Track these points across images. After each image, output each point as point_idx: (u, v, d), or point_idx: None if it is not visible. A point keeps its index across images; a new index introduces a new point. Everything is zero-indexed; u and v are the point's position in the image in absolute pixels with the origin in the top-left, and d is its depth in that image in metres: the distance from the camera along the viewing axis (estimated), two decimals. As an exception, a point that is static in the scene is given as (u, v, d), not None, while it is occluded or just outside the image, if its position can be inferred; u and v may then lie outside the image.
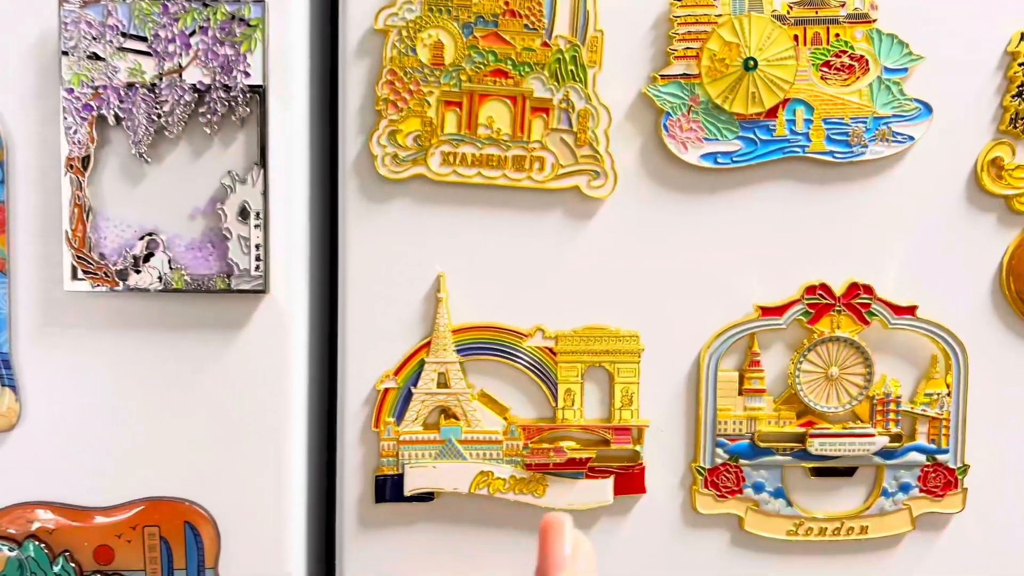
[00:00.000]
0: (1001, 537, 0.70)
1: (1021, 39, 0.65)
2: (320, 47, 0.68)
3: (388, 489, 0.68)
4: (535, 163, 0.66)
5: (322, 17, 0.68)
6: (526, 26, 0.64)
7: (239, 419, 0.67)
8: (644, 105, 0.66)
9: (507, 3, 0.64)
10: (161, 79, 0.64)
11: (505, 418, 0.68)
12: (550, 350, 0.68)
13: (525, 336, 0.68)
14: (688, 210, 0.67)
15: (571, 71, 0.65)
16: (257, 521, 0.68)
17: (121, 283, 0.65)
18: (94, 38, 0.64)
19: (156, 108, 0.64)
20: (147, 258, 0.65)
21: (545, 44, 0.65)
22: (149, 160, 0.65)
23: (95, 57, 0.64)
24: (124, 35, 0.64)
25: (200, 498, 0.68)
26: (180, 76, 0.64)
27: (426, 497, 0.68)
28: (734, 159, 0.66)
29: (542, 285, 0.68)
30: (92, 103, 0.64)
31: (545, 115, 0.65)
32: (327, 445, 0.72)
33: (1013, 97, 0.66)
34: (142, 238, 0.65)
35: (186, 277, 0.65)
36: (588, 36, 0.65)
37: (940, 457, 0.69)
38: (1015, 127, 0.66)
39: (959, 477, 0.69)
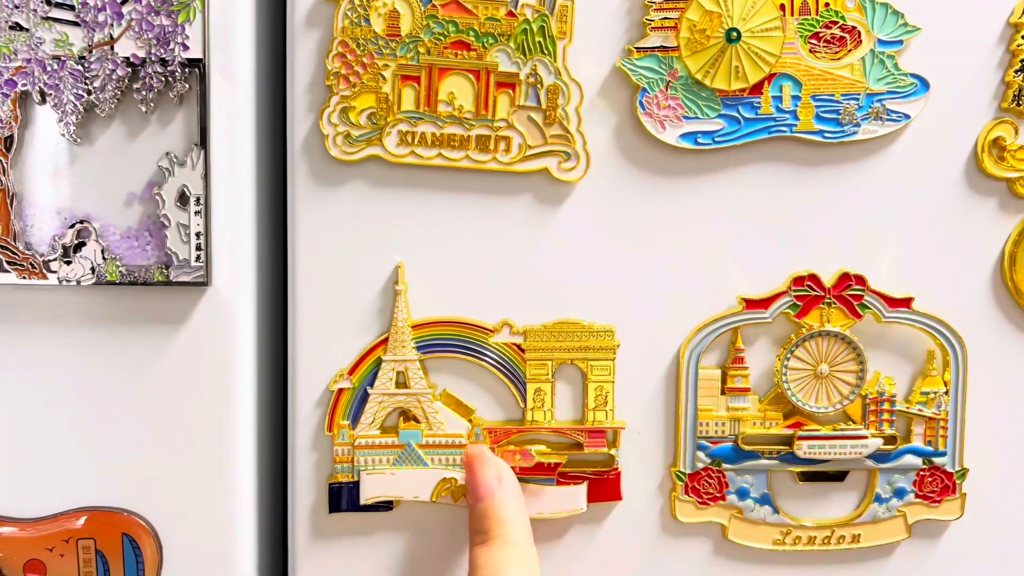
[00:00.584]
0: (1002, 546, 0.66)
1: (1025, 9, 0.61)
2: (267, 18, 0.63)
3: (343, 498, 0.63)
4: (501, 143, 0.61)
5: (269, -15, 0.63)
6: (490, -6, 0.59)
7: (181, 422, 0.62)
8: (619, 80, 0.61)
9: (469, -31, 0.59)
10: (91, 52, 0.59)
11: (470, 420, 0.63)
12: (518, 346, 0.63)
13: (491, 331, 0.63)
14: (666, 194, 0.62)
15: (539, 43, 0.60)
16: (202, 533, 0.63)
17: (50, 275, 0.60)
18: (16, 6, 0.58)
19: (85, 84, 0.59)
20: (78, 248, 0.60)
21: (511, 13, 0.60)
22: (79, 141, 0.60)
23: (17, 27, 0.58)
24: (49, 3, 0.58)
25: (139, 508, 0.63)
26: (111, 48, 0.59)
27: (384, 506, 0.63)
28: (716, 139, 0.61)
29: (509, 276, 0.63)
30: (15, 78, 0.59)
31: (511, 91, 0.60)
32: (280, 450, 0.67)
33: (1016, 72, 0.61)
34: (72, 226, 0.60)
35: (121, 269, 0.60)
36: (557, 5, 0.60)
37: (937, 460, 0.64)
38: (1018, 105, 0.62)
39: (957, 481, 0.64)
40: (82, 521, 0.63)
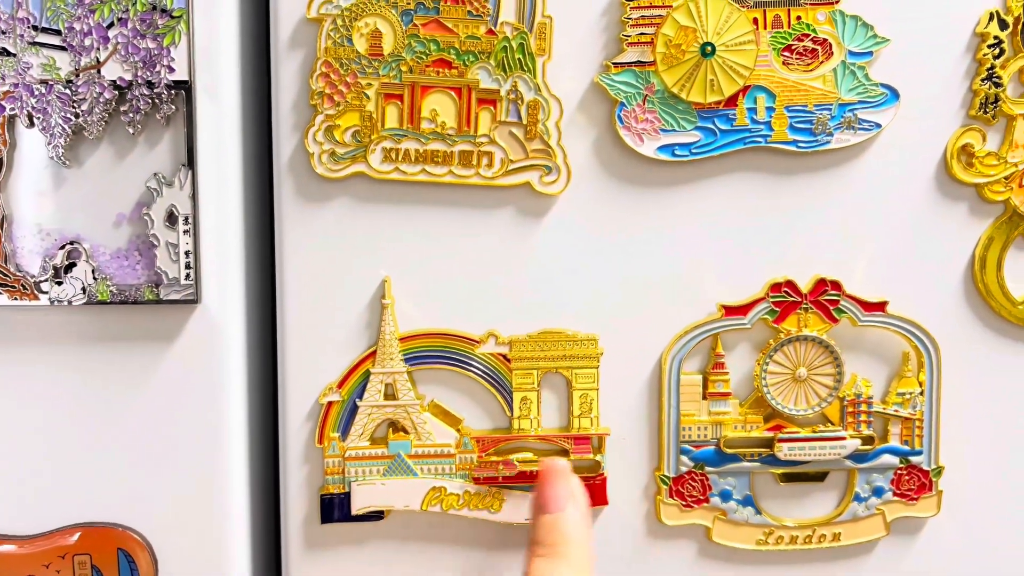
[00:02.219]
0: (978, 541, 0.68)
1: (991, 19, 0.63)
2: (251, 38, 0.65)
3: (335, 508, 0.65)
4: (483, 158, 0.63)
5: (253, 6, 0.65)
6: (470, 13, 0.61)
7: (174, 438, 0.64)
8: (597, 95, 0.63)
9: (449, -11, 0.61)
10: (78, 75, 0.60)
11: (458, 430, 0.65)
12: (504, 356, 0.65)
13: (477, 342, 0.65)
14: (646, 205, 0.64)
15: (519, 60, 0.62)
16: (196, 546, 0.65)
17: (41, 296, 0.62)
18: (3, 32, 0.60)
19: (73, 107, 0.61)
20: (69, 268, 0.62)
21: (490, 32, 0.62)
22: (68, 163, 0.61)
23: (5, 53, 0.60)
24: (36, 28, 0.60)
25: (134, 523, 0.65)
26: (98, 72, 0.60)
27: (375, 516, 0.65)
28: (693, 151, 0.63)
29: (494, 288, 0.65)
30: (3, 103, 0.60)
31: (492, 107, 0.62)
32: (272, 463, 0.69)
33: (983, 81, 0.64)
34: (63, 247, 0.62)
35: (112, 288, 0.62)
36: (536, 23, 0.62)
37: (914, 459, 0.67)
38: (985, 112, 0.64)
39: (934, 479, 0.67)
40: (77, 537, 0.64)
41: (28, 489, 0.64)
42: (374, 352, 0.64)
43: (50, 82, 0.60)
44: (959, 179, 0.65)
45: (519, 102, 0.62)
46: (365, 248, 0.64)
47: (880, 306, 0.65)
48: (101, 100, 0.61)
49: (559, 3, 0.62)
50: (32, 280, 0.62)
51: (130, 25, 0.60)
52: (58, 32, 0.60)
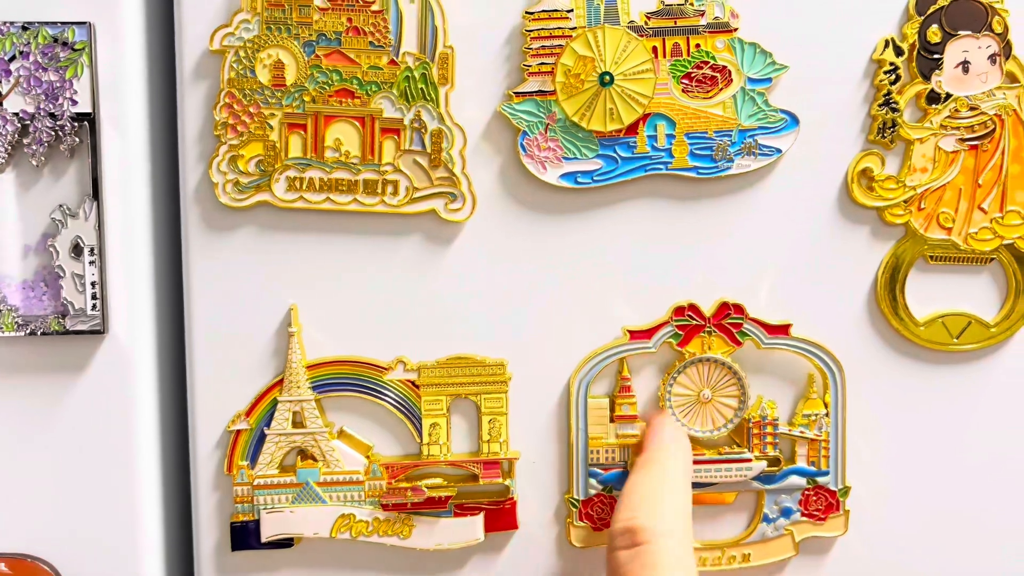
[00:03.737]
0: (886, 558, 0.70)
1: (886, 46, 0.65)
2: (156, 70, 0.66)
3: (246, 536, 0.66)
4: (388, 187, 0.64)
5: (157, 38, 0.66)
6: (371, 43, 0.63)
7: (85, 468, 0.65)
8: (501, 124, 0.65)
9: (350, 20, 0.63)
10: (-20, 108, 0.61)
11: (367, 457, 0.66)
12: (412, 383, 0.66)
13: (385, 369, 0.66)
14: (551, 232, 0.66)
15: (421, 89, 0.63)
16: None
17: (-54, 328, 0.63)
18: (-96, 67, 0.61)
19: (-24, 140, 0.62)
20: (-27, 300, 0.63)
21: (393, 62, 0.63)
22: (-29, 195, 0.62)
23: (-94, 87, 0.61)
24: (-63, 63, 0.61)
25: (45, 554, 0.65)
26: (0, 105, 0.61)
27: (286, 543, 0.66)
28: (595, 178, 0.65)
29: (402, 315, 0.66)
30: (-95, 136, 0.61)
31: (396, 136, 0.64)
32: (184, 491, 0.69)
33: (880, 105, 0.66)
34: (-34, 279, 0.63)
35: (18, 319, 0.63)
36: (438, 53, 0.63)
37: (820, 479, 0.68)
38: (883, 136, 0.66)
39: (841, 499, 0.69)
40: (-13, 568, 0.65)
41: (-63, 521, 0.65)
42: (282, 380, 0.66)
43: (-48, 115, 0.61)
44: (860, 203, 0.67)
45: (423, 131, 0.64)
46: (272, 276, 0.65)
47: (783, 329, 0.67)
48: (4, 132, 0.62)
49: (461, 33, 0.63)
50: (-63, 312, 0.63)
51: (32, 58, 0.61)
52: (-40, 65, 0.61)
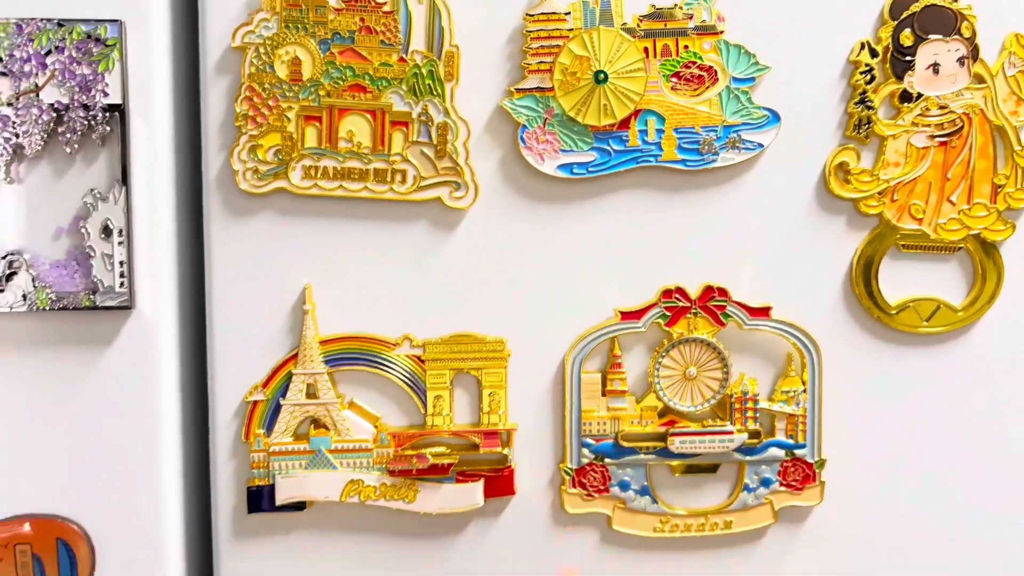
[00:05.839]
0: (859, 527, 0.77)
1: (862, 48, 0.71)
2: (181, 64, 0.72)
3: (261, 499, 0.73)
4: (397, 175, 0.70)
5: (183, 35, 0.72)
6: (382, 42, 0.69)
7: (111, 435, 0.71)
8: (502, 118, 0.71)
9: (363, 20, 0.69)
10: (18, 99, 0.67)
11: (376, 426, 0.73)
12: (418, 358, 0.73)
13: (393, 345, 0.72)
14: (548, 219, 0.72)
15: (429, 85, 0.69)
16: (133, 537, 0.72)
17: (-15, 303, 0.69)
18: (-52, 60, 0.67)
19: (14, 128, 0.68)
20: (10, 277, 0.69)
21: (402, 59, 0.69)
22: (9, 180, 0.68)
23: (-50, 79, 0.67)
24: (-21, 56, 0.67)
25: (73, 515, 0.72)
26: (37, 96, 0.68)
27: (298, 506, 0.73)
28: (590, 169, 0.71)
29: (409, 295, 0.72)
30: (-51, 124, 0.67)
31: (405, 128, 0.70)
32: (203, 458, 0.76)
33: (856, 104, 0.72)
34: (4, 257, 0.69)
35: (51, 296, 0.69)
36: (444, 51, 0.69)
37: (798, 452, 0.75)
38: (859, 132, 0.72)
39: (817, 471, 0.75)
40: (19, 527, 0.71)
41: (-27, 483, 0.71)
42: (296, 354, 0.72)
43: (-7, 105, 0.67)
44: (837, 194, 0.73)
45: (429, 124, 0.70)
46: (288, 258, 0.71)
47: (764, 311, 0.73)
48: (40, 122, 0.68)
49: (466, 33, 0.69)
50: (-24, 288, 0.69)
51: (66, 53, 0.67)
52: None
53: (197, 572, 0.77)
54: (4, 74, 0.68)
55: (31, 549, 0.72)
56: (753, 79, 0.71)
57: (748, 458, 0.75)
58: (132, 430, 0.71)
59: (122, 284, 0.69)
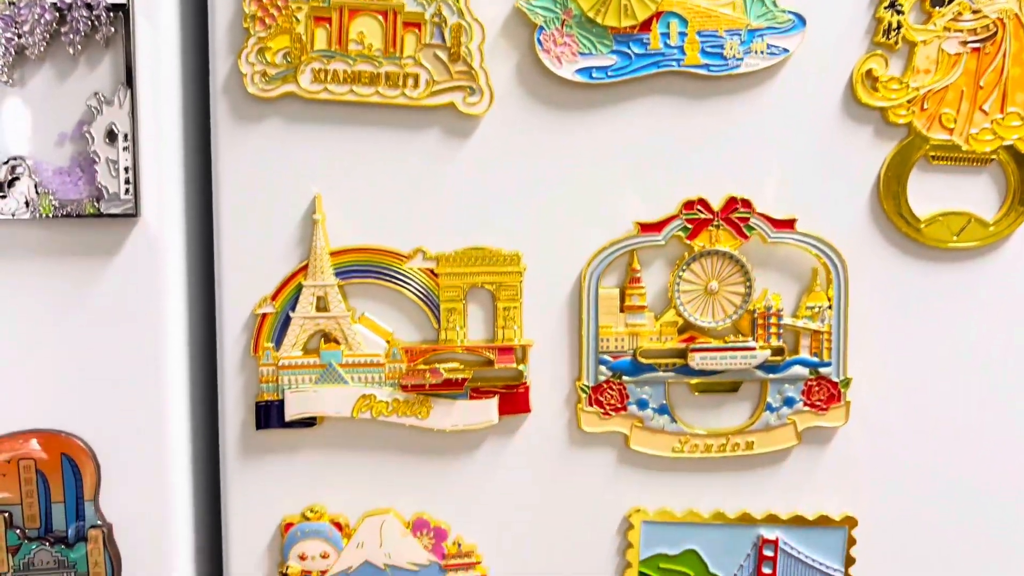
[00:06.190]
0: (885, 449, 0.74)
1: (893, -51, 0.69)
2: (188, -35, 0.70)
3: (270, 415, 0.71)
4: (409, 79, 0.68)
5: (189, -66, 0.70)
6: (395, -61, 0.67)
7: (116, 348, 0.70)
8: (518, 19, 0.69)
9: (375, -84, 0.66)
10: (20, -2, 0.66)
11: (388, 341, 0.71)
12: (431, 272, 0.71)
13: (405, 258, 0.71)
14: (566, 126, 0.70)
15: (443, -15, 0.67)
16: (138, 452, 0.71)
17: (-14, 210, 0.67)
18: (-52, -45, 0.65)
19: (15, 28, 0.66)
20: (12, 183, 0.67)
21: (415, -42, 0.67)
22: (11, 83, 0.66)
23: (-51, -25, 0.65)
24: (-21, -48, 0.65)
25: (78, 430, 0.70)
26: (39, -6, 0.66)
27: (308, 422, 0.71)
28: (609, 73, 0.69)
29: (421, 206, 0.70)
30: (-52, 23, 0.66)
31: (417, 30, 0.68)
32: (210, 372, 0.74)
33: (886, 8, 0.70)
34: (6, 162, 0.67)
35: (54, 202, 0.67)
36: (459, -51, 0.67)
37: (823, 370, 0.73)
38: (888, 38, 0.70)
39: (842, 390, 0.73)
40: (23, 443, 0.70)
41: (-25, 397, 0.70)
42: (306, 266, 0.70)
43: (-7, 4, 0.66)
44: (864, 103, 0.71)
45: (443, 25, 0.68)
46: (297, 165, 0.70)
47: (789, 223, 0.71)
48: (42, 21, 0.66)
49: (481, -69, 0.67)
50: (-22, 194, 0.67)
51: (70, -51, 0.65)
52: (1, -44, 0.65)
53: (204, 490, 0.76)
54: (5, -29, 0.66)
55: (35, 465, 0.70)
56: (779, -19, 0.69)
57: (771, 376, 0.73)
58: (137, 343, 0.70)
59: (127, 191, 0.68)
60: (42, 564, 0.70)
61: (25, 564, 0.70)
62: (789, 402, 0.73)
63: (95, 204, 0.68)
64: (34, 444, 0.70)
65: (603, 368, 0.72)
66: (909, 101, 0.71)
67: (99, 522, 0.71)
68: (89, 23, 0.66)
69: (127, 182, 0.68)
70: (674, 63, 0.69)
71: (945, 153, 0.72)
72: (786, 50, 0.70)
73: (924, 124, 0.71)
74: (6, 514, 0.70)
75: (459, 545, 0.73)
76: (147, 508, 0.71)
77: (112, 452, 0.70)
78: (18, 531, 0.70)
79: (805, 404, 0.73)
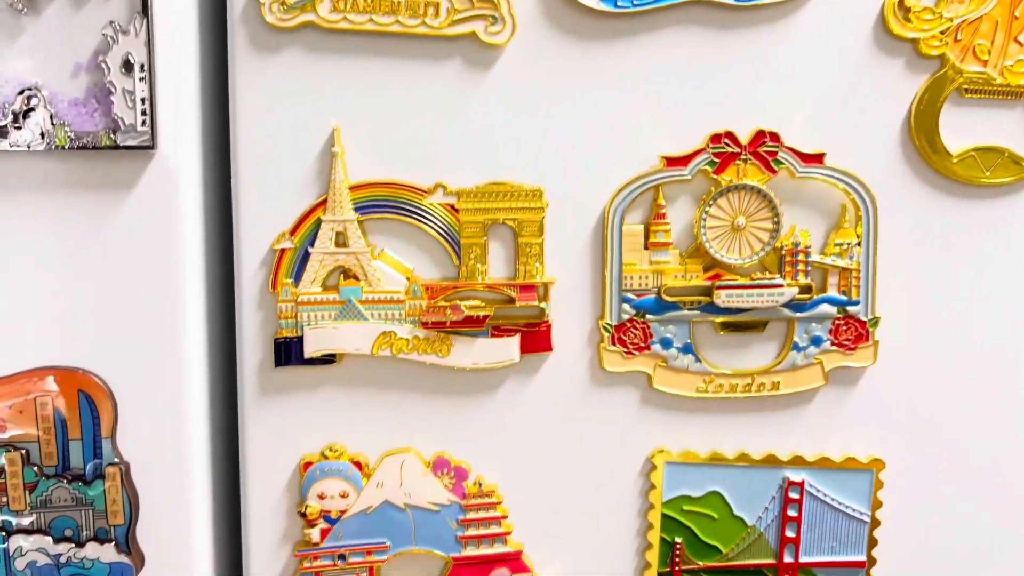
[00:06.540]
0: (914, 390, 0.73)
1: None
2: None
3: (289, 352, 0.70)
4: (430, 8, 0.67)
5: None
6: None
7: (132, 284, 0.69)
8: (541, -54, 0.67)
9: None
10: (33, -77, 0.65)
11: (407, 278, 0.70)
12: (452, 207, 0.70)
13: (426, 193, 0.70)
14: (590, 57, 0.69)
15: (464, -89, 0.66)
16: (155, 390, 0.70)
17: (2, 142, 0.66)
18: None
19: (29, -46, 0.65)
20: (27, 114, 0.66)
21: None
22: (25, 11, 0.65)
23: (-38, -101, 0.64)
24: None
25: (94, 367, 0.70)
26: (54, -80, 0.64)
27: (328, 360, 0.70)
28: (635, 2, 0.67)
29: (442, 139, 0.69)
30: (-39, -51, 0.65)
31: (439, -42, 0.67)
32: (228, 310, 0.73)
33: (919, -65, 0.68)
34: (21, 92, 0.66)
35: (70, 134, 0.66)
36: None
37: (851, 309, 0.71)
38: (922, -34, 0.68)
39: (870, 329, 0.72)
40: (40, 380, 0.69)
41: (-9, 334, 0.69)
42: (325, 200, 0.69)
43: (7, -71, 0.65)
44: (896, 34, 0.69)
45: (465, -47, 0.67)
46: (315, 97, 0.68)
47: (818, 158, 0.70)
48: (57, -53, 0.65)
49: None
50: (-8, 126, 0.66)
51: None
52: None
53: (222, 428, 0.75)
54: None
55: (52, 402, 0.70)
56: (809, -94, 0.67)
57: (798, 315, 0.71)
58: (154, 279, 0.69)
59: (144, 123, 0.67)
60: (60, 501, 0.70)
61: (43, 501, 0.70)
62: (816, 341, 0.72)
63: (111, 136, 0.67)
64: (51, 381, 0.70)
65: (626, 306, 0.71)
66: (942, 32, 0.69)
67: (116, 460, 0.70)
68: (104, -50, 0.65)
69: (143, 113, 0.67)
70: (701, -8, 0.68)
71: (978, 86, 0.70)
72: (816, -21, 0.68)
73: (957, 56, 0.70)
74: (24, 451, 0.69)
75: (480, 485, 0.72)
76: (165, 447, 0.71)
77: (129, 390, 0.70)
78: (35, 468, 0.69)
79: (832, 343, 0.72)
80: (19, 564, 0.70)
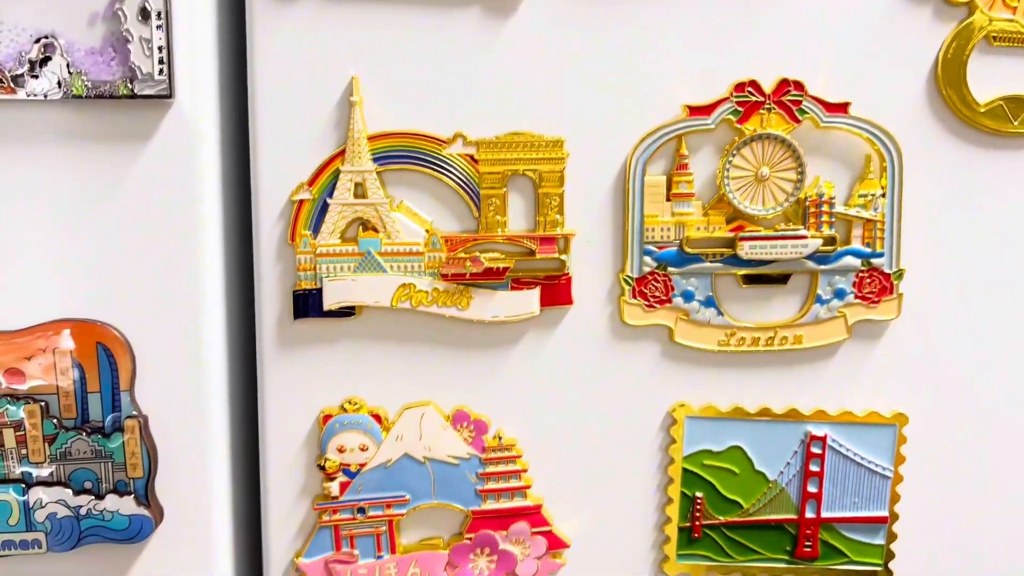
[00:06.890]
0: (938, 344, 0.73)
1: None
2: None
3: (308, 304, 0.70)
4: (449, -45, 0.66)
5: None
6: None
7: (149, 236, 0.69)
8: None
9: None
10: None
11: (427, 230, 0.70)
12: (471, 158, 0.69)
13: (445, 143, 0.69)
14: (612, 4, 0.68)
15: None
16: (173, 343, 0.70)
17: (19, 90, 0.66)
18: None
19: (45, -100, 0.64)
20: (44, 63, 0.66)
21: None
22: (41, -42, 0.65)
23: None
24: None
25: (112, 319, 0.70)
26: None
27: (347, 312, 0.70)
28: (658, -52, 0.67)
29: (461, 89, 0.69)
30: None
31: (459, -96, 0.66)
32: (246, 261, 0.73)
33: None
34: (37, 40, 0.66)
35: (87, 83, 0.66)
36: None
37: (875, 261, 0.71)
38: (951, -89, 0.67)
39: (895, 282, 0.71)
40: (58, 332, 0.69)
41: (8, 286, 0.69)
42: (344, 151, 0.69)
43: None
44: (924, -20, 0.68)
45: (485, -102, 0.66)
46: (333, 46, 0.68)
47: (843, 107, 0.69)
48: None
49: None
50: (9, 74, 0.66)
51: None
52: None
53: (240, 382, 0.75)
54: None
55: (71, 354, 0.70)
56: None
57: (821, 267, 0.71)
58: (171, 230, 0.69)
59: (161, 71, 0.66)
60: (79, 453, 0.70)
61: (62, 454, 0.70)
62: (840, 294, 0.71)
63: (128, 85, 0.66)
64: (68, 335, 0.69)
65: (648, 259, 0.70)
66: (971, -22, 0.68)
67: (135, 413, 0.70)
68: None
69: (161, 62, 0.66)
70: (725, -63, 0.67)
71: (1008, 34, 0.69)
72: (843, -76, 0.67)
73: (986, 3, 0.68)
74: (43, 403, 0.69)
75: (500, 439, 0.72)
76: (183, 399, 0.71)
77: (147, 342, 0.70)
78: (55, 420, 0.69)
79: (856, 296, 0.71)
80: (39, 516, 0.70)
